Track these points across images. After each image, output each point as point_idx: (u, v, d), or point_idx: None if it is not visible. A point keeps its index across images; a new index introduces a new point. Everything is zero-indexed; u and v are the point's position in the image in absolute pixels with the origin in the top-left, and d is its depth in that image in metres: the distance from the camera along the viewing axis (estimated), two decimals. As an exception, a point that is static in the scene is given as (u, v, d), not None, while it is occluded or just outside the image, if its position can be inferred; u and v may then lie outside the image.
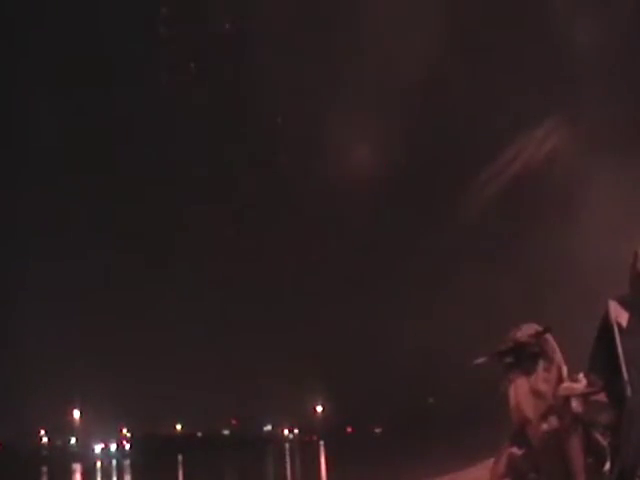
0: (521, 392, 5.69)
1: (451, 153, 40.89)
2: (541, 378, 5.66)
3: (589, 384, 5.32)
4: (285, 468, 38.19)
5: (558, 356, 5.74)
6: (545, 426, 5.60)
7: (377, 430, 68.52)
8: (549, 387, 5.63)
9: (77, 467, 52.07)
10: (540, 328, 5.79)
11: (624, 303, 5.12)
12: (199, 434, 71.73)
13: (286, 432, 73.88)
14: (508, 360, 5.79)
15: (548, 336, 5.78)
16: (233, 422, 72.61)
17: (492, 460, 6.11)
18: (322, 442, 62.45)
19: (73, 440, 66.55)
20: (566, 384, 5.60)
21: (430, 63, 26.84)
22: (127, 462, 56.30)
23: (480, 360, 5.99)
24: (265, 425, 73.38)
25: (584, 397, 5.51)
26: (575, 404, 5.60)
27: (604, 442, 5.48)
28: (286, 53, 37.60)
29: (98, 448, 66.92)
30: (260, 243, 57.01)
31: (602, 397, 5.30)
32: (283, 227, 55.02)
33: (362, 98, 34.07)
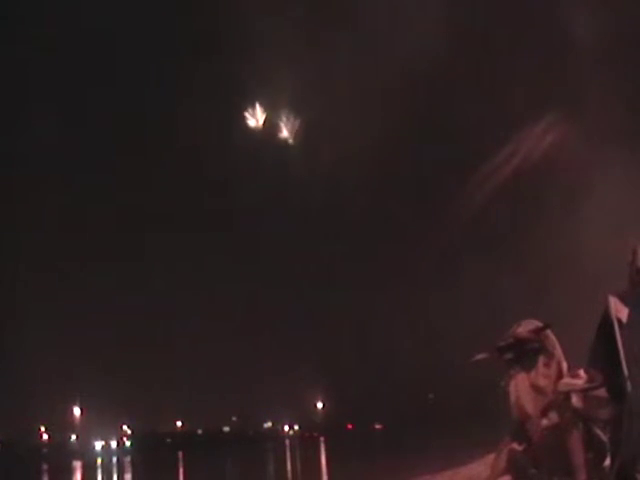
0: (521, 388, 5.70)
1: (453, 148, 40.89)
2: (541, 374, 5.67)
3: (589, 379, 5.32)
4: (285, 464, 38.14)
5: (558, 352, 5.75)
6: (545, 421, 5.62)
7: (377, 426, 68.48)
8: (549, 383, 5.65)
9: (77, 464, 51.99)
10: (540, 324, 5.79)
11: (624, 298, 5.13)
12: (199, 431, 71.73)
13: (286, 428, 73.88)
14: (508, 356, 5.80)
15: (548, 332, 5.79)
16: (233, 419, 72.65)
17: (493, 455, 6.13)
18: (322, 439, 62.37)
19: (73, 437, 66.57)
20: (566, 379, 5.62)
21: (432, 58, 26.83)
22: (127, 459, 56.28)
23: (480, 356, 6.00)
24: (265, 422, 73.43)
25: (584, 392, 5.52)
26: (575, 399, 5.61)
27: (604, 437, 5.49)
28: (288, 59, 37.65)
29: (98, 445, 66.91)
30: (260, 243, 57.03)
31: (602, 392, 5.31)
32: (284, 226, 55.04)
33: (363, 92, 34.07)
